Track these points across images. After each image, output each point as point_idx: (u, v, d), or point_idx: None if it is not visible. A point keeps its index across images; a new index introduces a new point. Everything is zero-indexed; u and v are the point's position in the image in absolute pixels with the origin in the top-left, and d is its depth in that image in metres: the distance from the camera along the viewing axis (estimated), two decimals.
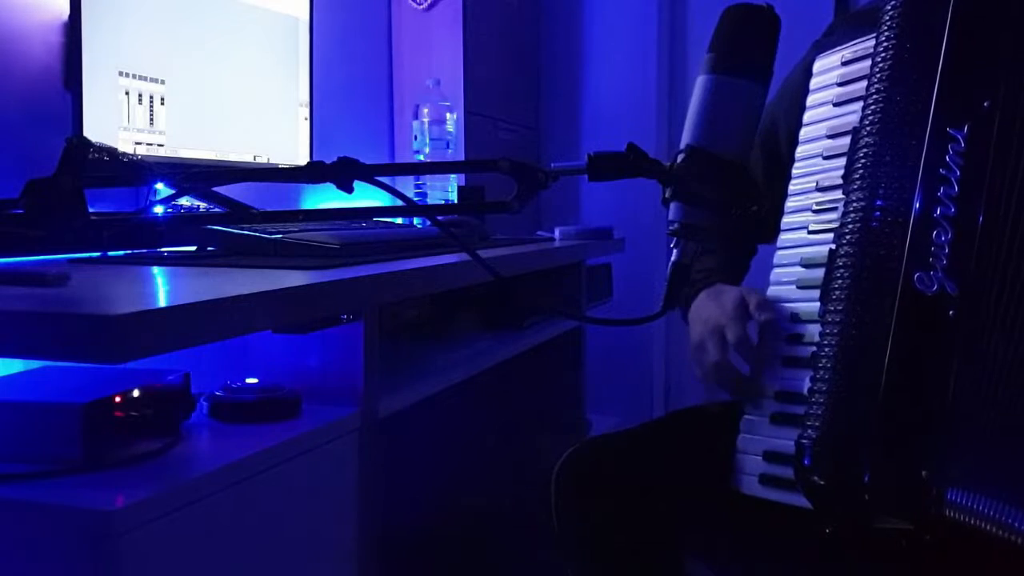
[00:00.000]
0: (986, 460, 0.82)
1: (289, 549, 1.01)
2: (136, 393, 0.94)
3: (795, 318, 0.97)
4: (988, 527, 0.80)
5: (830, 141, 0.98)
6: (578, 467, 1.13)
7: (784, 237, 1.02)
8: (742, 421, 0.98)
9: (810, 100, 1.03)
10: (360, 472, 1.13)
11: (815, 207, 0.98)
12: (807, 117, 1.03)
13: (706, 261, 1.22)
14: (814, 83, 1.04)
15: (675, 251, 0.84)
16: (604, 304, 2.28)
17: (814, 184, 0.99)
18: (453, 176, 2.32)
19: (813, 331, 0.93)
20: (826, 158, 0.98)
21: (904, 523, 0.85)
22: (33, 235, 0.79)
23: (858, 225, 0.89)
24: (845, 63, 0.99)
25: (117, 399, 0.92)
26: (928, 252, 0.84)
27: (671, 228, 0.83)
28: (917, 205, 0.85)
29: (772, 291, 1.01)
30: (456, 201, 2.18)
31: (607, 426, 2.60)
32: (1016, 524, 0.79)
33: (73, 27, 1.28)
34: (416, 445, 1.91)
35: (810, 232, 0.98)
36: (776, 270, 1.02)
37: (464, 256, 1.07)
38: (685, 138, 0.83)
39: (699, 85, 0.84)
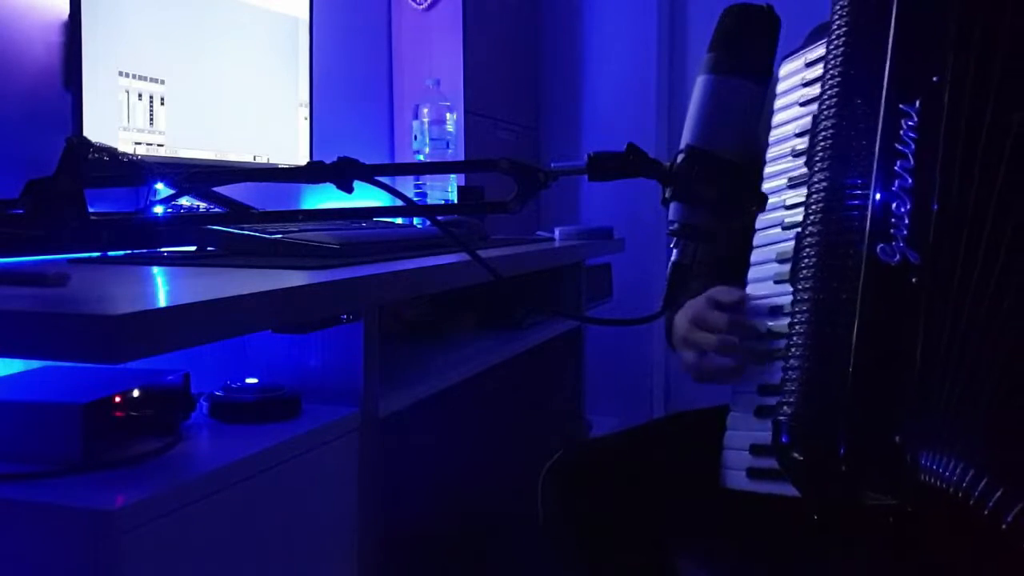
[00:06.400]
0: (956, 422, 0.84)
1: (289, 549, 1.01)
2: (136, 393, 0.94)
3: (774, 311, 0.98)
4: (956, 492, 0.82)
5: (798, 139, 1.01)
6: (564, 471, 1.14)
7: (760, 235, 1.04)
8: (728, 418, 1.00)
9: (778, 104, 1.06)
10: (360, 472, 1.13)
11: (787, 203, 1.00)
12: (776, 120, 1.06)
13: (695, 284, 1.22)
14: (780, 88, 1.07)
15: (675, 251, 0.84)
16: (604, 304, 2.28)
17: (785, 181, 1.01)
18: (453, 176, 2.32)
19: None
20: (795, 155, 1.01)
21: (886, 498, 0.86)
22: (33, 235, 0.79)
23: (821, 204, 0.92)
24: (808, 64, 1.02)
25: (117, 399, 0.92)
26: (889, 224, 0.87)
27: (671, 228, 0.83)
28: (876, 180, 0.88)
29: (750, 289, 1.03)
30: (456, 201, 2.18)
31: (607, 426, 2.59)
32: (973, 490, 0.81)
33: (73, 27, 1.28)
34: (416, 445, 1.91)
35: (784, 228, 1.00)
36: (753, 268, 1.03)
37: (464, 256, 1.07)
38: (685, 138, 0.83)
39: (699, 85, 0.84)
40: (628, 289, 2.55)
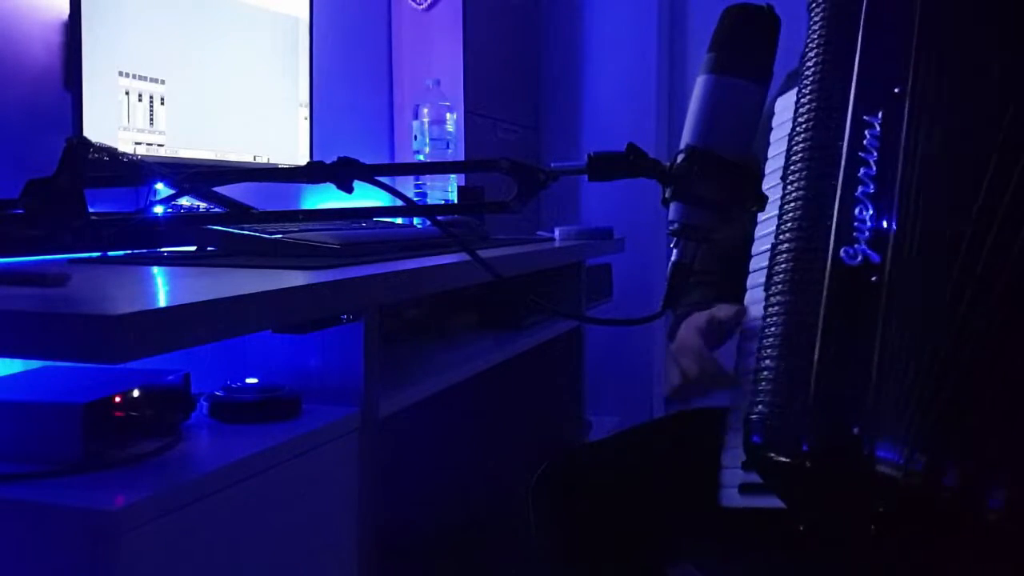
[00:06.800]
0: (912, 414, 0.85)
1: (289, 549, 1.01)
2: (136, 393, 0.94)
3: None
4: (910, 481, 0.83)
5: None
6: (552, 482, 1.15)
7: (756, 259, 1.06)
8: (726, 436, 1.00)
9: (773, 136, 1.10)
10: (360, 472, 1.13)
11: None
12: (771, 151, 1.09)
13: (696, 294, 1.23)
14: (776, 121, 1.10)
15: (675, 251, 0.84)
16: (604, 304, 2.28)
17: (778, 209, 1.02)
18: (453, 176, 2.32)
19: None
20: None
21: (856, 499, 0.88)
22: (33, 235, 0.79)
23: (790, 214, 0.96)
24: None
25: (117, 399, 0.92)
26: (852, 228, 0.91)
27: (671, 228, 0.83)
28: (841, 188, 0.93)
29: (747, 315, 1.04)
30: (456, 201, 2.18)
31: (607, 426, 2.60)
32: (935, 485, 0.82)
33: (73, 27, 1.28)
34: (416, 445, 1.91)
35: None
36: (750, 291, 1.04)
37: (464, 256, 1.07)
38: (685, 138, 0.83)
39: (699, 85, 0.84)
40: (628, 289, 2.55)
